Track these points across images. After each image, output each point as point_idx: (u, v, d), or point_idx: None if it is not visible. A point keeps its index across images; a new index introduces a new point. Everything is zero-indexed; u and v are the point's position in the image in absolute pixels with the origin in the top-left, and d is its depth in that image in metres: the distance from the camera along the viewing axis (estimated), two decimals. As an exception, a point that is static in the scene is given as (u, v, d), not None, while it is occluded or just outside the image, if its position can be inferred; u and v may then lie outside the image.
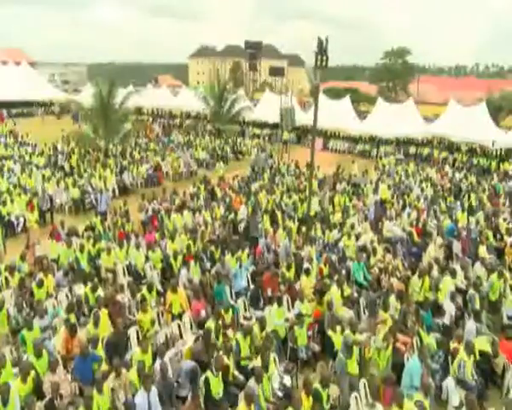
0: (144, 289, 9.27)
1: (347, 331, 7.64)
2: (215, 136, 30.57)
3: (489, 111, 28.62)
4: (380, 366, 7.75)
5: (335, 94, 44.87)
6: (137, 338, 8.26)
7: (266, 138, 33.41)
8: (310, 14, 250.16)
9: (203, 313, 8.85)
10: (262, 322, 8.15)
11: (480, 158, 26.97)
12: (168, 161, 22.18)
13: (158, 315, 8.93)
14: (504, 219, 14.96)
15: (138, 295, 9.14)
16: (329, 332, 8.18)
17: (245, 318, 9.26)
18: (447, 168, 24.22)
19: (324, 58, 10.95)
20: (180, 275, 10.22)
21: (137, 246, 11.33)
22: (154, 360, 7.43)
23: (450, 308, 9.20)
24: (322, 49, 10.93)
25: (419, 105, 40.21)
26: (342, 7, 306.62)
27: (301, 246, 12.30)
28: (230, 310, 8.71)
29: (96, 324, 7.92)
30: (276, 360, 7.62)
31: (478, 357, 7.84)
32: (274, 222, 14.07)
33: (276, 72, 44.79)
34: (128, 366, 7.30)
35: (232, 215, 14.47)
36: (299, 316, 8.49)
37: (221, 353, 7.15)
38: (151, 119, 39.57)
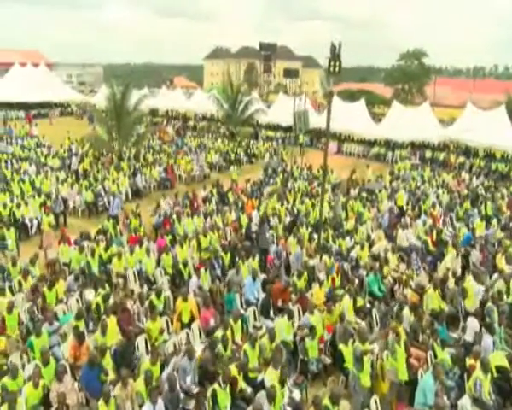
0: (153, 295, 9.19)
1: (356, 343, 7.42)
2: (228, 138, 30.53)
3: (508, 114, 27.93)
4: (399, 370, 7.49)
5: (349, 96, 44.51)
6: (146, 347, 8.22)
7: (280, 141, 33.20)
8: (323, 15, 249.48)
9: (212, 321, 8.74)
10: (272, 333, 7.99)
11: (499, 163, 26.32)
12: (181, 164, 22.20)
13: (167, 323, 8.86)
14: (524, 228, 14.51)
15: (147, 302, 9.07)
16: (340, 346, 7.98)
17: (255, 327, 9.14)
18: (464, 174, 23.68)
19: (337, 64, 10.73)
20: (190, 282, 10.15)
21: (148, 251, 11.29)
22: (162, 370, 7.36)
23: (473, 325, 8.88)
24: (335, 55, 10.73)
25: (435, 108, 39.53)
26: (356, 6, 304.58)
27: (313, 254, 12.10)
28: (239, 320, 8.56)
29: (103, 332, 7.86)
30: (286, 373, 7.45)
31: (495, 374, 7.57)
32: (288, 230, 13.92)
33: (291, 74, 44.59)
34: (135, 375, 7.25)
35: (244, 219, 14.35)
36: (311, 328, 8.30)
37: (232, 365, 7.01)
38: (165, 121, 39.72)
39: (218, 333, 7.92)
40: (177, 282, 10.57)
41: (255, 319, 9.36)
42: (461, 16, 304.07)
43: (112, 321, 8.24)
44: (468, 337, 8.62)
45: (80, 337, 7.57)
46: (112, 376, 7.20)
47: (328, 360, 8.25)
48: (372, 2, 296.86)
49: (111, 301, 9.29)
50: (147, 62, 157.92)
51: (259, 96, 48.25)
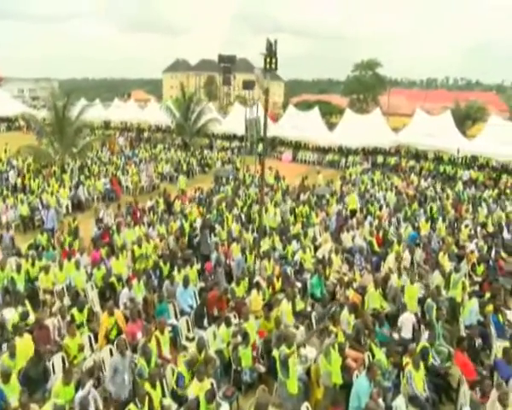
0: (74, 309, 8.46)
1: (282, 347, 7.00)
2: (181, 149, 29.93)
3: (456, 121, 29.01)
4: (333, 374, 7.12)
5: (307, 107, 44.99)
6: (64, 366, 7.48)
7: (236, 151, 32.90)
8: (287, 29, 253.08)
9: (139, 335, 8.10)
10: (200, 343, 7.46)
11: (446, 166, 27.15)
12: (129, 175, 21.43)
13: (90, 339, 8.16)
14: (466, 226, 14.76)
15: (69, 317, 8.35)
16: (274, 352, 7.55)
17: (187, 338, 8.58)
18: (413, 176, 24.18)
19: (273, 60, 10.54)
20: (121, 295, 9.47)
21: (77, 265, 10.51)
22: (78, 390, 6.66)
23: (409, 320, 8.73)
24: (271, 51, 10.53)
25: (390, 117, 40.69)
26: (320, 21, 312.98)
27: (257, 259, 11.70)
28: (167, 330, 7.98)
29: (11, 354, 7.06)
30: (215, 385, 6.93)
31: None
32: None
33: (250, 85, 44.55)
34: (45, 399, 6.53)
35: (188, 228, 13.82)
36: (245, 335, 7.84)
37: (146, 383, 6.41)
38: (118, 133, 38.67)
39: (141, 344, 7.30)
40: (108, 296, 9.85)
41: (188, 329, 8.80)
42: (417, 32, 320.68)
43: (24, 341, 7.47)
44: (406, 334, 8.43)
45: (-19, 361, 6.76)
46: (16, 404, 6.43)
47: (263, 369, 7.80)
48: (335, 17, 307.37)
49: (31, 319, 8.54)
50: (107, 77, 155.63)
51: (219, 108, 47.99)
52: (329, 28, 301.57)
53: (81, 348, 7.70)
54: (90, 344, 8.14)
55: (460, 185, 21.79)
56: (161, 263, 11.10)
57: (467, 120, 37.12)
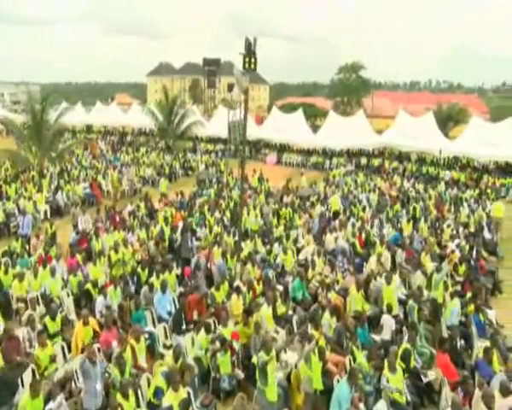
0: (47, 318, 8.14)
1: (260, 353, 6.82)
2: (164, 152, 29.59)
3: (438, 122, 29.29)
4: (313, 379, 6.94)
5: (292, 109, 45.01)
6: (34, 378, 7.15)
7: (220, 154, 32.67)
8: (271, 33, 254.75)
9: (114, 344, 7.82)
10: (176, 352, 7.23)
11: (429, 167, 27.37)
12: (109, 180, 21.02)
13: (63, 349, 7.85)
14: (448, 226, 14.81)
15: (39, 326, 8.03)
16: (254, 358, 7.36)
17: (165, 346, 8.33)
18: (396, 177, 24.29)
19: (253, 60, 10.37)
20: (96, 303, 9.17)
21: (53, 272, 10.16)
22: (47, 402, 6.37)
23: (388, 322, 8.64)
24: (250, 51, 10.36)
25: (373, 119, 40.94)
26: (305, 25, 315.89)
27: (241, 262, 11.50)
28: (142, 338, 7.71)
29: (-24, 367, 6.75)
30: (191, 393, 6.70)
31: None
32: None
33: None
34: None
35: (168, 232, 13.55)
36: (223, 342, 7.63)
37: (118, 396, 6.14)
38: (100, 136, 38.11)
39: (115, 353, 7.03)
40: (83, 303, 9.55)
41: (166, 336, 8.55)
42: (402, 35, 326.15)
43: (-8, 352, 7.14)
44: (386, 336, 8.32)
45: None
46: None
47: (242, 375, 7.59)
48: (321, 22, 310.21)
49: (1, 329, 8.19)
50: (91, 81, 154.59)
51: (204, 111, 47.69)
52: (315, 32, 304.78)
53: (53, 359, 7.40)
54: (64, 354, 7.84)
55: (442, 186, 21.96)
56: (139, 269, 10.84)
57: (449, 121, 37.54)
